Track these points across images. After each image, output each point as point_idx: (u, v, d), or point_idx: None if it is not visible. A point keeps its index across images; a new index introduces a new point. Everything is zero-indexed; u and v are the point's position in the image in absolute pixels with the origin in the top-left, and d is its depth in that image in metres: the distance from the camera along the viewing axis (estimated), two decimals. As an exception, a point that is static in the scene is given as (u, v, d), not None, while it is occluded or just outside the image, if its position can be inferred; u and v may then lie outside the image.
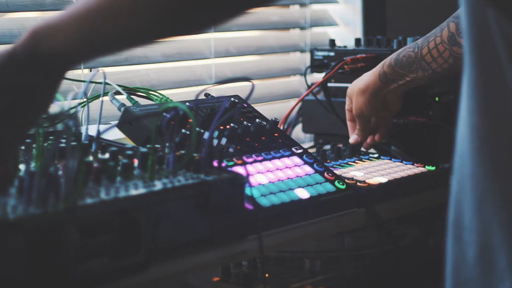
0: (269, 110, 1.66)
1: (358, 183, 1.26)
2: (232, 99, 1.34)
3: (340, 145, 1.44)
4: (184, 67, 1.72)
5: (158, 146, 1.07)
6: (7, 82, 0.78)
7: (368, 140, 1.49)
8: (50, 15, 0.76)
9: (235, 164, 1.18)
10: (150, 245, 0.94)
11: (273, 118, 1.33)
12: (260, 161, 1.22)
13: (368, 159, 1.41)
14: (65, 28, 0.76)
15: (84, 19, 0.76)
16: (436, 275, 1.42)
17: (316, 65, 1.67)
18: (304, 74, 1.74)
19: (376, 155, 1.44)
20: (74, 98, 1.41)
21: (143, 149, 1.04)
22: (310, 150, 1.32)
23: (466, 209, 0.93)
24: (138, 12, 0.75)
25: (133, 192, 0.94)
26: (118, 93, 1.38)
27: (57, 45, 0.78)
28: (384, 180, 1.28)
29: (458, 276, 0.94)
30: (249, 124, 1.29)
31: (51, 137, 1.13)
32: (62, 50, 0.79)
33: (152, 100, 1.40)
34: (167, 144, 1.07)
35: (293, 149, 1.28)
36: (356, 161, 1.38)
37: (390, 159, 1.41)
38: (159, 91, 1.43)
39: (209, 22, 0.81)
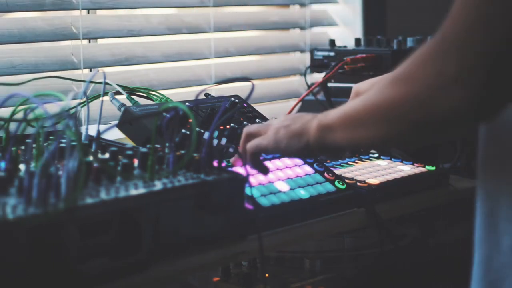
0: (269, 110, 1.66)
1: (358, 183, 1.26)
2: (232, 99, 1.34)
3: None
4: (184, 67, 1.71)
5: (158, 146, 1.07)
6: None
7: None
8: (327, 112, 1.01)
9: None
10: (150, 245, 0.94)
11: (273, 118, 1.33)
12: (260, 161, 1.22)
13: (368, 159, 1.41)
14: (336, 129, 0.98)
15: (349, 125, 0.97)
16: (436, 275, 1.42)
17: (316, 65, 1.67)
18: (304, 74, 1.75)
19: (376, 155, 1.44)
20: (74, 98, 1.41)
21: (143, 149, 1.04)
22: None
23: (502, 200, 0.95)
24: (382, 129, 0.92)
25: (133, 192, 0.94)
26: (118, 93, 1.38)
27: (335, 139, 0.99)
28: (384, 180, 1.28)
29: (490, 263, 0.96)
30: (249, 124, 1.29)
31: (51, 137, 1.13)
32: (338, 142, 0.99)
33: (152, 100, 1.40)
34: (167, 144, 1.07)
35: (293, 149, 1.28)
36: (356, 161, 1.38)
37: (390, 159, 1.41)
38: (159, 91, 1.43)
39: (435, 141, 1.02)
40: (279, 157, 1.24)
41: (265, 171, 1.13)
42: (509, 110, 0.89)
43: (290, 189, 1.16)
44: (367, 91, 1.36)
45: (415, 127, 0.89)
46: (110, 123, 1.46)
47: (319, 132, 1.01)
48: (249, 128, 1.12)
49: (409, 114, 0.88)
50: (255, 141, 1.09)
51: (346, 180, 1.24)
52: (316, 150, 1.03)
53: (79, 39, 1.50)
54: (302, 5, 1.95)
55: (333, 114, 0.99)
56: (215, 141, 1.22)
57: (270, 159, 1.23)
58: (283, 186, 1.16)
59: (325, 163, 1.28)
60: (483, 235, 0.98)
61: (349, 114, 0.96)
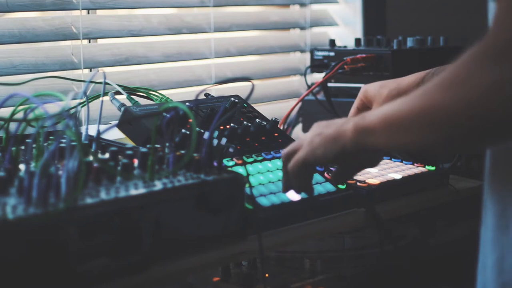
0: (269, 110, 1.67)
1: (358, 183, 1.26)
2: (232, 99, 1.34)
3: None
4: (184, 67, 1.71)
5: (158, 146, 1.07)
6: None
7: None
8: (364, 114, 0.99)
9: (235, 164, 1.18)
10: (150, 245, 0.94)
11: (273, 118, 1.33)
12: (260, 161, 1.22)
13: (368, 159, 1.41)
14: (376, 132, 0.96)
15: (391, 128, 0.94)
16: (436, 275, 1.42)
17: (316, 65, 1.67)
18: (304, 74, 1.75)
19: (376, 155, 1.43)
20: (74, 98, 1.41)
21: (143, 149, 1.04)
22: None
23: None
24: (427, 134, 0.90)
25: (133, 192, 0.94)
26: (118, 93, 1.38)
27: (375, 143, 0.97)
28: (384, 180, 1.28)
29: (503, 264, 0.96)
30: (249, 124, 1.29)
31: (51, 137, 1.13)
32: (378, 145, 0.97)
33: (152, 100, 1.40)
34: (167, 144, 1.07)
35: (293, 149, 1.28)
36: (356, 161, 1.38)
37: (390, 159, 1.41)
38: (159, 91, 1.43)
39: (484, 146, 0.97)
40: (279, 157, 1.24)
41: (312, 190, 1.12)
42: None
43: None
44: (378, 94, 1.35)
45: (465, 133, 0.86)
46: (110, 123, 1.46)
47: (357, 135, 0.98)
48: (284, 150, 1.10)
49: (460, 120, 0.85)
50: (294, 158, 1.07)
51: (346, 180, 1.24)
52: (354, 153, 1.00)
53: (79, 39, 1.51)
54: (302, 5, 1.95)
55: (372, 116, 0.97)
56: (215, 141, 1.22)
57: (270, 159, 1.23)
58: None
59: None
60: (495, 236, 0.97)
61: (392, 117, 0.93)
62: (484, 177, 1.00)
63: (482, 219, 1.00)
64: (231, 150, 1.21)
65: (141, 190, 0.95)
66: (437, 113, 0.87)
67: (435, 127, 0.88)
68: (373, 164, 1.12)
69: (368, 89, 1.32)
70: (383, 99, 1.33)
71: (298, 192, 1.12)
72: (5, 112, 1.18)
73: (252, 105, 1.41)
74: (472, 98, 0.84)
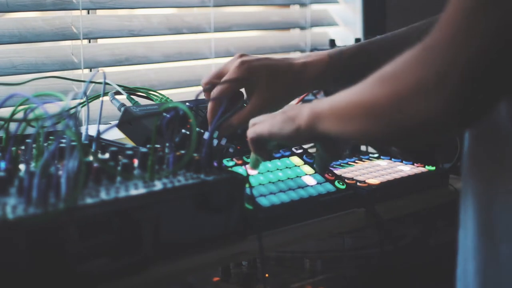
0: (269, 110, 1.66)
1: (358, 183, 1.26)
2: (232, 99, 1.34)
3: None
4: (184, 67, 1.71)
5: (158, 146, 1.07)
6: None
7: None
8: (320, 100, 1.00)
9: (235, 164, 1.18)
10: (150, 245, 0.94)
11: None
12: (260, 161, 1.22)
13: (368, 159, 1.41)
14: (325, 119, 0.98)
15: (336, 117, 0.96)
16: (436, 275, 1.42)
17: (316, 65, 1.67)
18: (304, 74, 1.74)
19: (376, 155, 1.44)
20: (74, 98, 1.41)
21: (143, 149, 1.04)
22: (310, 150, 1.32)
23: (498, 205, 0.94)
24: (365, 125, 0.93)
25: (133, 192, 0.94)
26: (118, 93, 1.38)
27: (324, 129, 0.98)
28: (384, 180, 1.28)
29: (486, 275, 0.95)
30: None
31: (51, 137, 1.13)
32: (327, 132, 0.99)
33: (152, 100, 1.40)
34: (167, 144, 1.07)
35: (293, 149, 1.28)
36: (356, 161, 1.38)
37: (390, 159, 1.41)
38: (159, 91, 1.43)
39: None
40: (279, 157, 1.24)
41: (268, 158, 1.13)
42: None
43: (290, 189, 1.16)
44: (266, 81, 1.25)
45: (396, 128, 0.89)
46: (110, 123, 1.46)
47: (310, 119, 1.01)
48: (252, 119, 1.12)
49: (390, 115, 0.88)
50: (253, 128, 1.10)
51: (346, 180, 1.24)
52: (307, 136, 1.03)
53: (79, 39, 1.51)
54: (302, 5, 1.95)
55: (324, 103, 0.99)
56: (215, 141, 1.22)
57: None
58: (283, 186, 1.16)
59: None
60: (477, 243, 0.96)
61: (337, 106, 0.96)
62: (463, 173, 1.00)
63: (461, 220, 1.00)
64: (231, 150, 1.21)
65: (141, 190, 0.95)
66: (373, 107, 0.90)
67: (371, 120, 0.91)
68: (334, 152, 1.12)
69: (253, 72, 1.23)
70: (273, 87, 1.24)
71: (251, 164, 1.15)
72: (5, 112, 1.18)
73: (252, 105, 1.41)
74: (401, 95, 0.86)
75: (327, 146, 1.10)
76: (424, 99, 0.84)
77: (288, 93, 1.22)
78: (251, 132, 1.10)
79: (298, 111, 1.03)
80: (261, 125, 1.09)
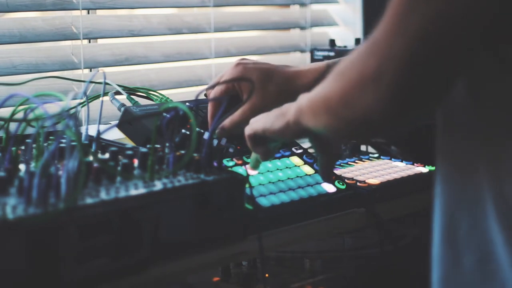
0: (269, 110, 1.66)
1: (358, 183, 1.26)
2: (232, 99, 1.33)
3: (340, 145, 1.44)
4: (184, 67, 1.72)
5: (158, 146, 1.07)
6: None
7: None
8: (305, 94, 0.99)
9: (235, 164, 1.18)
10: (150, 245, 0.94)
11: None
12: (260, 161, 1.22)
13: (368, 159, 1.41)
14: (305, 114, 0.98)
15: (312, 112, 0.97)
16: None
17: (316, 65, 1.67)
18: (304, 74, 1.74)
19: (376, 155, 1.44)
20: (74, 98, 1.41)
21: (143, 149, 1.04)
22: (310, 150, 1.32)
23: (462, 212, 0.92)
24: (329, 121, 0.94)
25: (133, 192, 0.94)
26: (118, 93, 1.38)
27: (309, 123, 0.98)
28: (384, 180, 1.28)
29: (448, 284, 0.94)
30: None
31: (51, 137, 1.13)
32: (308, 125, 0.98)
33: (152, 100, 1.40)
34: (167, 144, 1.07)
35: (293, 149, 1.28)
36: (356, 161, 1.39)
37: (390, 159, 1.41)
38: (159, 91, 1.43)
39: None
40: (279, 157, 1.24)
41: (268, 156, 1.13)
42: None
43: (290, 189, 1.16)
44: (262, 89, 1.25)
45: (347, 123, 0.90)
46: (110, 123, 1.46)
47: (296, 113, 1.01)
48: (255, 117, 1.12)
49: (341, 110, 0.89)
50: (251, 124, 1.10)
51: (346, 180, 1.24)
52: (297, 131, 1.02)
53: (79, 39, 1.51)
54: (302, 5, 1.95)
55: (305, 98, 0.99)
56: (215, 141, 1.22)
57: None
58: (283, 186, 1.16)
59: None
60: (440, 251, 0.95)
61: (313, 100, 0.97)
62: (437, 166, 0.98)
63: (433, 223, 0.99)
64: (231, 150, 1.21)
65: (141, 190, 0.95)
66: (329, 103, 0.91)
67: (330, 116, 0.92)
68: (326, 150, 1.11)
69: (246, 73, 1.24)
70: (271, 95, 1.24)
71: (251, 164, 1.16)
72: (5, 112, 1.18)
73: (252, 105, 1.41)
74: (346, 90, 0.87)
75: (318, 143, 1.09)
76: (364, 92, 0.84)
77: (278, 98, 1.20)
78: (247, 129, 1.10)
79: (289, 106, 1.03)
80: (257, 122, 1.09)
